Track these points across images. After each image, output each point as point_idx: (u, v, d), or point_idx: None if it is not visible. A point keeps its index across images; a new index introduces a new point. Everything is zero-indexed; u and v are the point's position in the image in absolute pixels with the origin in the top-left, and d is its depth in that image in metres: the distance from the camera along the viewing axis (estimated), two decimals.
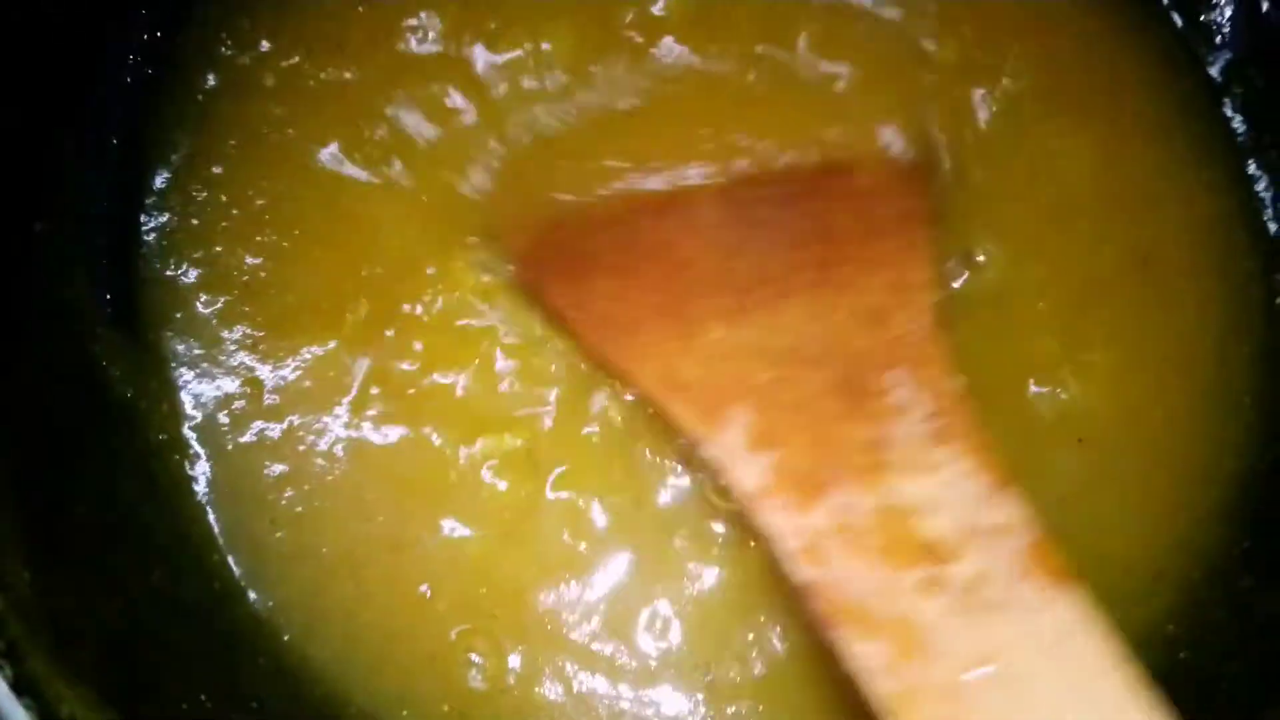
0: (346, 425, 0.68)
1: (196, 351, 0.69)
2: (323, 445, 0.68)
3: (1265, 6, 0.74)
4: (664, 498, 0.67)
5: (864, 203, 0.68)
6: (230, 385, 0.69)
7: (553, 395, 0.68)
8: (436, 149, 0.71)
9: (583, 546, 0.67)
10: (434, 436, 0.68)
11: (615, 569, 0.67)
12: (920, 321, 0.64)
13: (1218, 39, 0.75)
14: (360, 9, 0.72)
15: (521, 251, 0.69)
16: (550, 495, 0.67)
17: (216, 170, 0.71)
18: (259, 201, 0.70)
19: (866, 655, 0.56)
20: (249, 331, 0.69)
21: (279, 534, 0.68)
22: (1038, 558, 0.57)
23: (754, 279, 0.66)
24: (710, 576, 0.67)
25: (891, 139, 0.71)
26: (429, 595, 0.67)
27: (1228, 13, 0.75)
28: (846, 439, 0.61)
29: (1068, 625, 0.55)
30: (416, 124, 0.71)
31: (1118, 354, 0.70)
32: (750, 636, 0.66)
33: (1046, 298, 0.70)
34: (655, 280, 0.67)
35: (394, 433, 0.68)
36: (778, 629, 0.66)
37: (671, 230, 0.68)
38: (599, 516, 0.67)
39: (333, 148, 0.71)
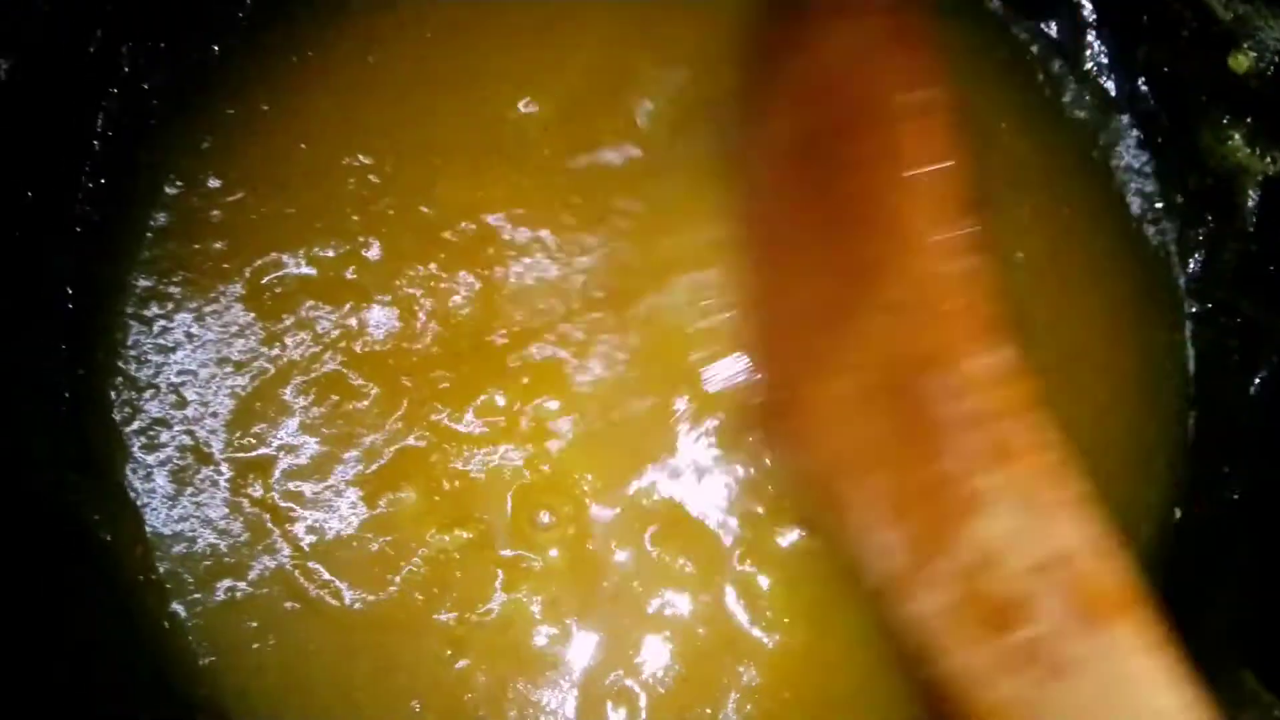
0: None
1: (166, 493, 0.71)
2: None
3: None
4: None
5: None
6: (203, 531, 0.70)
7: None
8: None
9: None
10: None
11: None
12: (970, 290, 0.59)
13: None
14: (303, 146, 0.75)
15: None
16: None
17: (162, 309, 0.73)
18: (206, 337, 0.73)
19: None
20: (213, 473, 0.71)
21: (266, 676, 0.69)
22: (1093, 594, 0.55)
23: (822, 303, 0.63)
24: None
25: None
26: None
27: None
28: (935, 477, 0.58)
29: (1127, 657, 0.54)
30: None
31: None
32: None
33: None
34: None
35: None
36: None
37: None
38: None
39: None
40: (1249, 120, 0.73)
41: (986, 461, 0.56)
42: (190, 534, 0.70)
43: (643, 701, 0.68)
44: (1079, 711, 0.53)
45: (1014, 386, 0.57)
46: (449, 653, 0.69)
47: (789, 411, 0.66)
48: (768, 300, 0.68)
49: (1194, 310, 0.78)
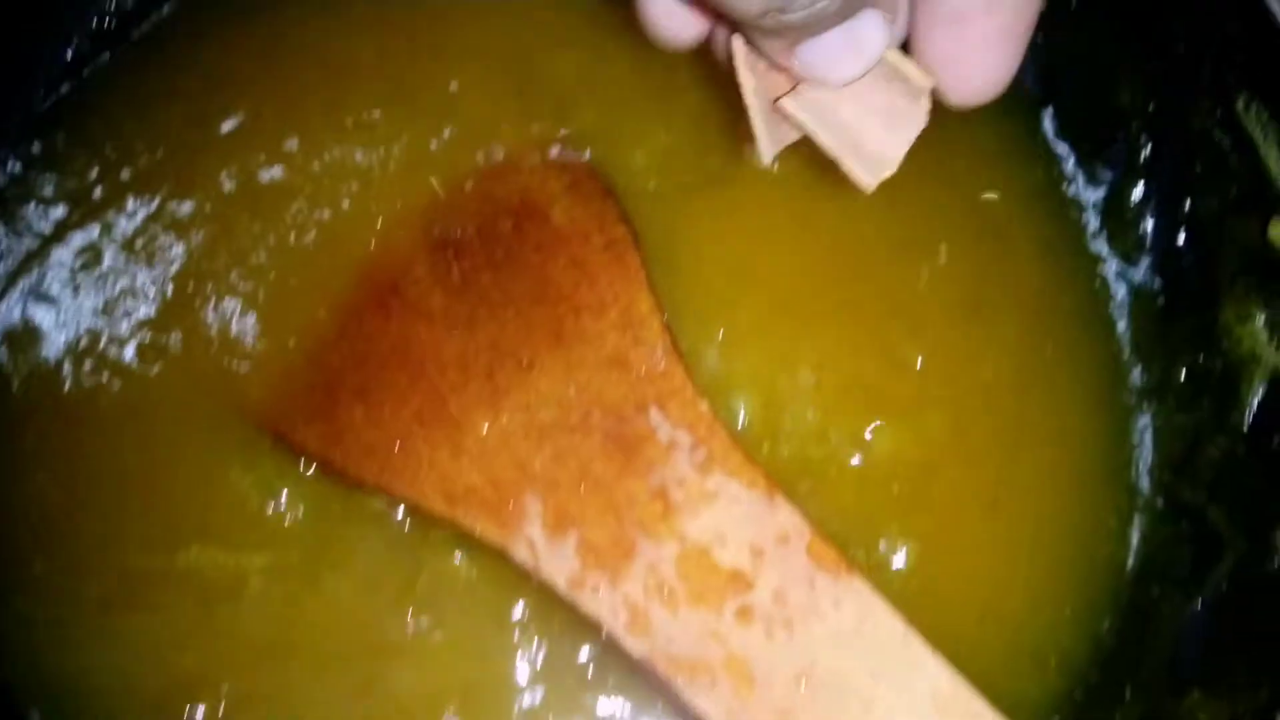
0: None
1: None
2: None
3: None
4: None
5: (568, 241, 0.67)
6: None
7: None
8: None
9: None
10: None
11: None
12: (657, 353, 0.63)
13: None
14: None
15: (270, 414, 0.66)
16: None
17: None
18: None
19: (710, 703, 0.58)
20: None
21: None
22: (818, 557, 0.59)
23: (495, 357, 0.64)
24: None
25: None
26: None
27: None
28: (633, 495, 0.61)
29: (860, 613, 0.58)
30: None
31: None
32: None
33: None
34: (403, 388, 0.64)
35: None
36: None
37: (398, 327, 0.66)
38: None
39: None
40: (1277, 304, 0.62)
41: (690, 470, 0.61)
42: None
43: None
44: (817, 652, 0.58)
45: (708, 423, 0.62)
46: None
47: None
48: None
49: (1156, 504, 0.66)
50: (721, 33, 0.54)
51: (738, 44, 0.52)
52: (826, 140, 0.52)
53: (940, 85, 0.51)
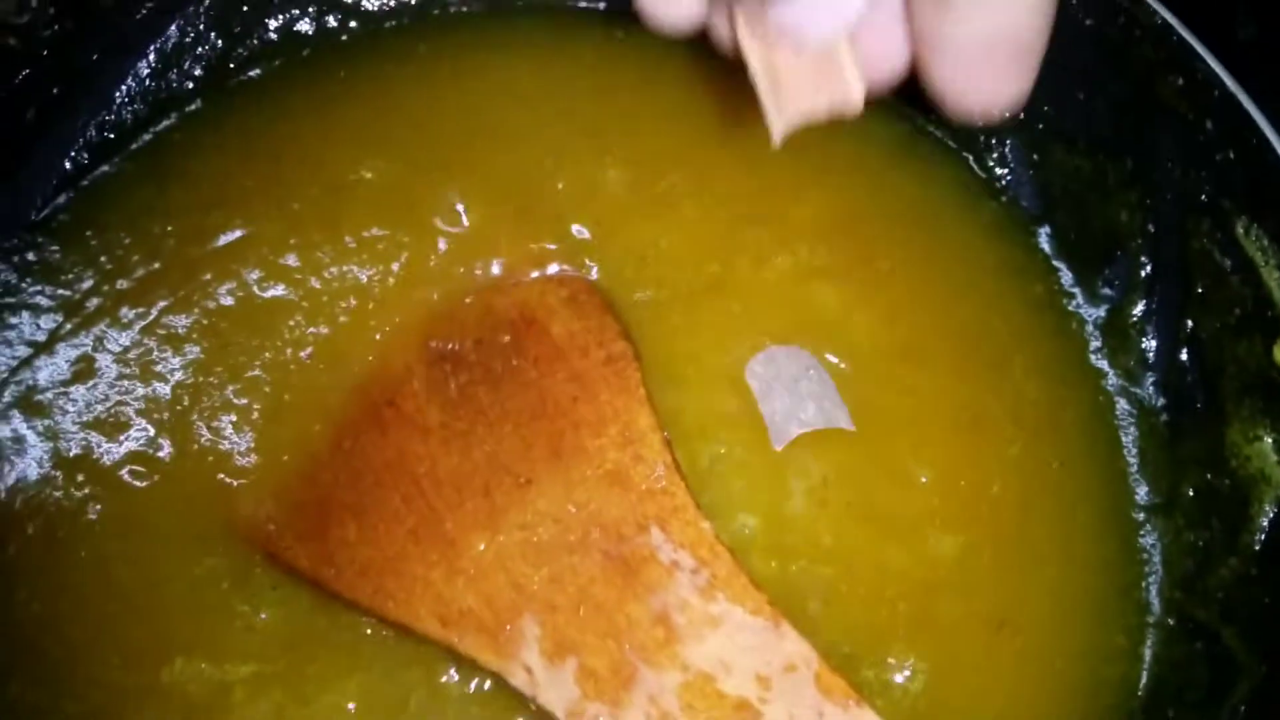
0: None
1: None
2: None
3: None
4: None
5: (567, 356, 0.66)
6: None
7: None
8: None
9: None
10: None
11: None
12: (657, 470, 0.62)
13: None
14: None
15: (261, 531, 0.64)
16: None
17: None
18: None
19: None
20: None
21: None
22: (826, 688, 0.58)
23: (492, 474, 0.63)
24: None
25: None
26: None
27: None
28: (634, 620, 0.59)
29: None
30: None
31: None
32: None
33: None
34: (397, 505, 0.63)
35: None
36: None
37: (394, 442, 0.65)
38: None
39: None
40: None
41: (693, 595, 0.59)
42: None
43: None
44: None
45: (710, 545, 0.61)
46: None
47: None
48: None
49: (1167, 623, 0.65)
50: (719, 15, 0.54)
51: (739, 14, 0.53)
52: (758, 73, 0.54)
53: (948, 100, 0.53)
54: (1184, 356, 0.69)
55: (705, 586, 0.60)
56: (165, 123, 0.76)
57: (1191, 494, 0.67)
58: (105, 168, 0.75)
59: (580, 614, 0.60)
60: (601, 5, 0.80)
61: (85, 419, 0.66)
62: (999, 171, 0.77)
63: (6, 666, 0.62)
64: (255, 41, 0.79)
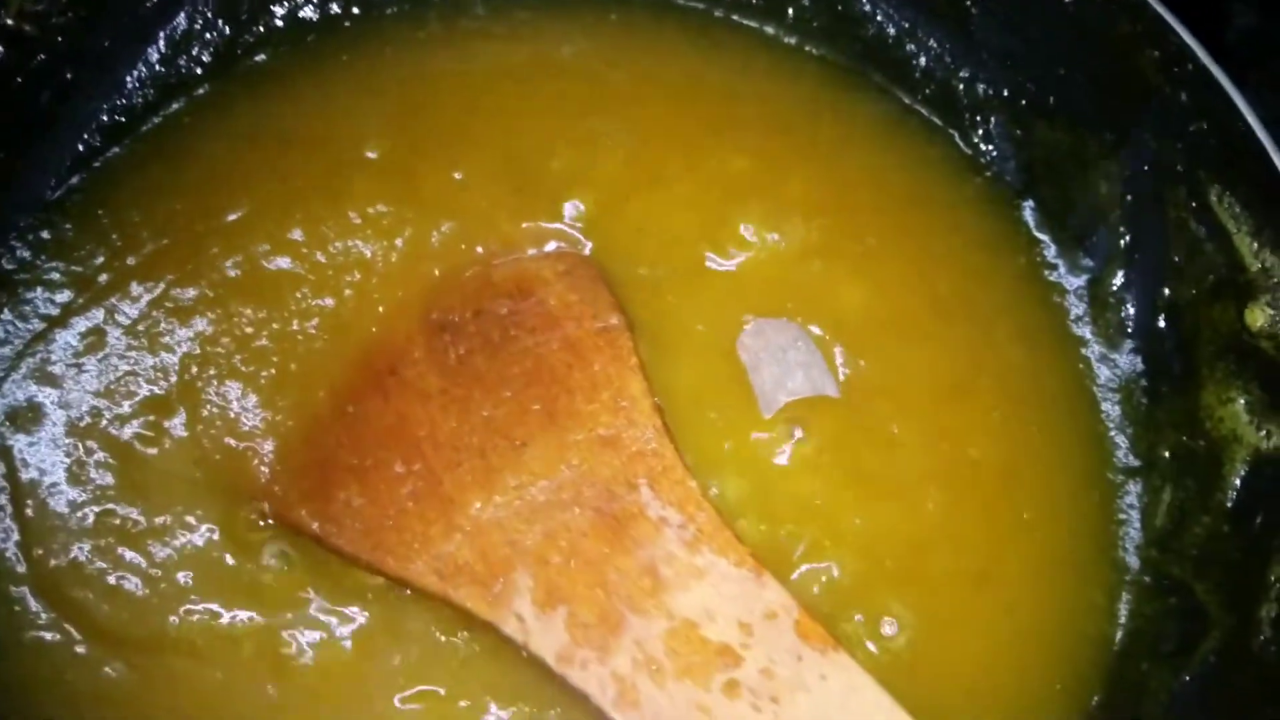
0: None
1: None
2: None
3: None
4: None
5: (562, 325, 0.69)
6: None
7: None
8: None
9: None
10: None
11: None
12: (647, 433, 0.65)
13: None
14: None
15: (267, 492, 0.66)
16: None
17: None
18: None
19: None
20: None
21: None
22: (805, 633, 0.60)
23: (489, 437, 0.65)
24: None
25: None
26: None
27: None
28: (623, 572, 0.61)
29: (846, 688, 0.59)
30: None
31: None
32: None
33: None
34: (398, 467, 0.65)
35: None
36: None
37: (395, 408, 0.67)
38: None
39: None
40: (1255, 387, 0.64)
41: (679, 548, 0.62)
42: None
43: None
44: None
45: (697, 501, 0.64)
46: None
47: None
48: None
49: (1143, 580, 0.67)
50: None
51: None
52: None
53: None
54: (1161, 323, 0.71)
55: (691, 540, 0.62)
56: (175, 106, 0.79)
57: (1168, 455, 0.69)
58: (117, 149, 0.77)
59: (571, 567, 0.62)
60: None
61: (97, 388, 0.69)
62: (984, 148, 0.79)
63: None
64: (261, 28, 0.81)
